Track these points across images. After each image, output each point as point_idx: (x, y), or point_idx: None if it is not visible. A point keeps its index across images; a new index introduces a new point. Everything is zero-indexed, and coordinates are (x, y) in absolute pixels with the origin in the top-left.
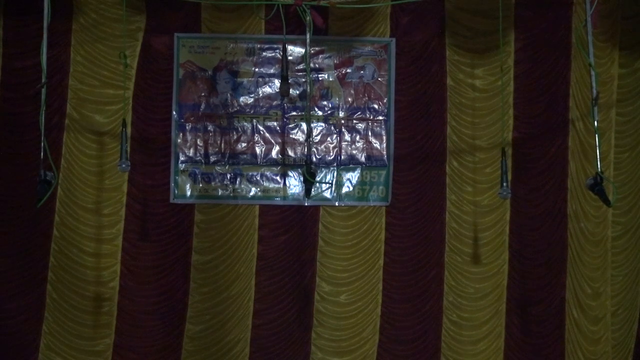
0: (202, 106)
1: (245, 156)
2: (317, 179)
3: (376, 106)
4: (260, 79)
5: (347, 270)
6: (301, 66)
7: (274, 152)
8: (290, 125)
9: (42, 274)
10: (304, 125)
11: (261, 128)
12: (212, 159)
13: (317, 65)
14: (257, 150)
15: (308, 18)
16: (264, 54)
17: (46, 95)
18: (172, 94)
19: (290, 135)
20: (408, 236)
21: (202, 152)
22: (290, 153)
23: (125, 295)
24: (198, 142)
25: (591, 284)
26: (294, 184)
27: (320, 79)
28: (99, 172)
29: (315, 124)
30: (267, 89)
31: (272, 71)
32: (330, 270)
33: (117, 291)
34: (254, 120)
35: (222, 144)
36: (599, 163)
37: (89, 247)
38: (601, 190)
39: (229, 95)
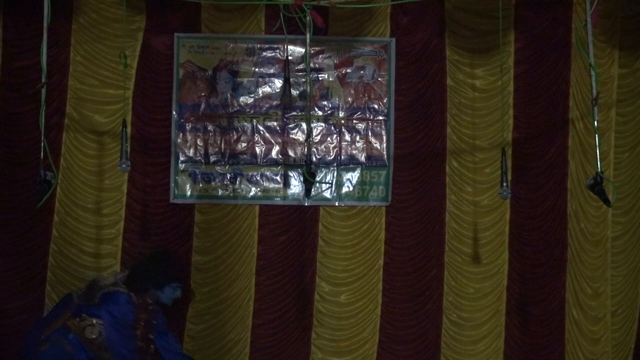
0: (202, 106)
1: (245, 156)
2: (317, 179)
3: (376, 106)
4: (260, 79)
5: (347, 270)
6: (301, 66)
7: (274, 152)
8: (290, 125)
9: (41, 274)
10: (304, 125)
11: (261, 128)
12: (212, 159)
13: (317, 65)
14: (257, 150)
15: (308, 18)
16: (264, 54)
17: (46, 95)
18: (172, 94)
19: (290, 135)
20: (408, 236)
21: (202, 152)
22: (291, 153)
23: None
24: (198, 142)
25: (591, 284)
26: (294, 184)
27: (320, 79)
28: (99, 172)
29: (315, 124)
30: (267, 89)
31: (272, 71)
32: (330, 270)
33: None
34: (254, 120)
35: (222, 144)
36: (599, 163)
37: (88, 247)
38: (601, 190)
39: (229, 95)
